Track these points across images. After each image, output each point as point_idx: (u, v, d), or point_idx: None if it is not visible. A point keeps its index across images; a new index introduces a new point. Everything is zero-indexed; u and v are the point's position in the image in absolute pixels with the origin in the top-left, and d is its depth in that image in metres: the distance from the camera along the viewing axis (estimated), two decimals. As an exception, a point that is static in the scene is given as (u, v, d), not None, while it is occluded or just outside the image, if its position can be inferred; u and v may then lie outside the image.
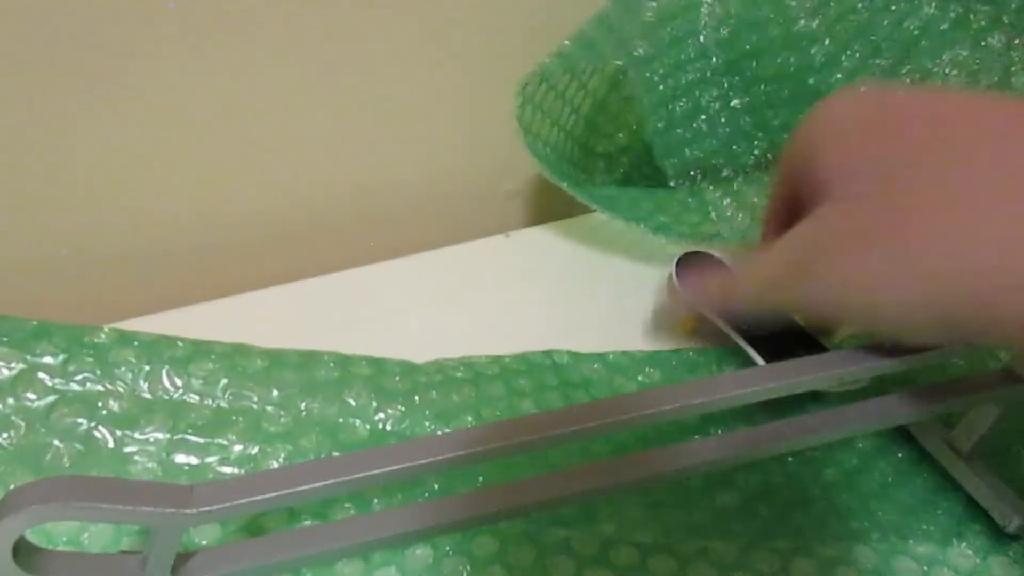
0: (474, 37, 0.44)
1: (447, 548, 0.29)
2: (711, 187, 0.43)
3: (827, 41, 0.40)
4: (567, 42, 0.39)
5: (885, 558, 0.31)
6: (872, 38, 0.41)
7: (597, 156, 0.46)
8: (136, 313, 0.38)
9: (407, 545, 0.29)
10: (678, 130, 0.41)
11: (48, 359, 0.30)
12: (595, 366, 0.36)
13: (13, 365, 0.30)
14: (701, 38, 0.41)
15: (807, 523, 0.32)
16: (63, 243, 0.41)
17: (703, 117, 0.43)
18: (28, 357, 0.30)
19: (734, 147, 0.43)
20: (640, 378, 0.36)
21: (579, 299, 0.42)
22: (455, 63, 0.44)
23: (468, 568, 0.29)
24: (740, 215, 0.44)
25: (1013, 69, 0.42)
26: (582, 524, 0.31)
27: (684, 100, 0.42)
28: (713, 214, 0.43)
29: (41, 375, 0.30)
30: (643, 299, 0.43)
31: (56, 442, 0.29)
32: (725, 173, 0.43)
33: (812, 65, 0.40)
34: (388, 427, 0.31)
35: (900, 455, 0.35)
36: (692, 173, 0.42)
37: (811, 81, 0.40)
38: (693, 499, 0.32)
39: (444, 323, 0.40)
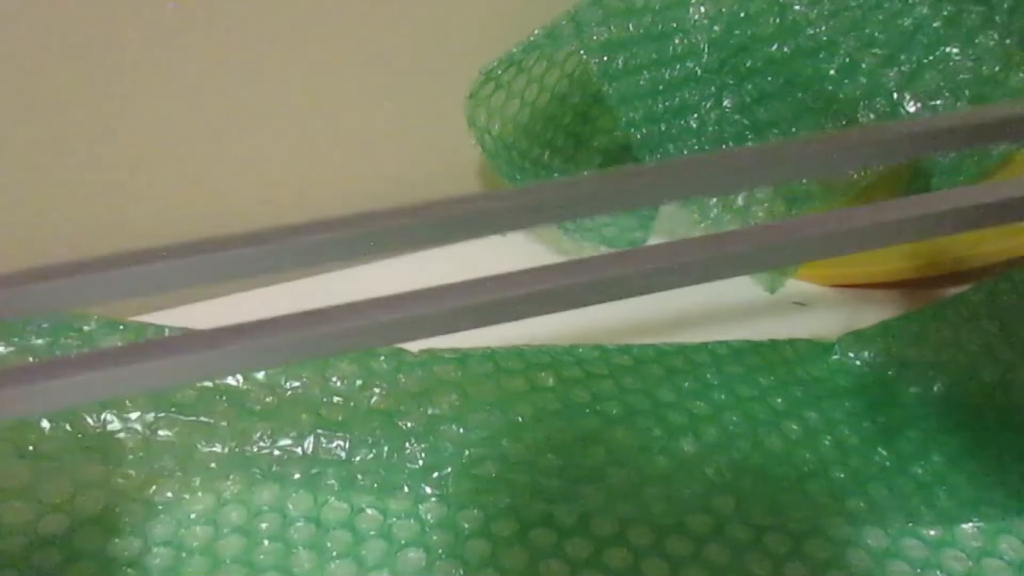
0: (474, 40, 0.44)
1: (440, 551, 0.30)
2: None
3: (822, 28, 0.40)
4: (536, 31, 0.40)
5: (879, 560, 0.31)
6: (866, 31, 0.42)
7: (594, 151, 0.46)
8: (135, 313, 0.39)
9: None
10: (660, 126, 0.41)
11: (37, 341, 0.30)
12: (594, 353, 0.36)
13: (1, 349, 0.30)
14: (691, 36, 0.41)
15: (801, 525, 0.31)
16: (62, 243, 0.42)
17: (695, 115, 0.43)
18: (16, 340, 0.30)
19: (723, 147, 0.43)
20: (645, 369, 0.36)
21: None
22: (456, 64, 0.44)
23: (461, 571, 0.29)
24: (727, 217, 0.44)
25: (1012, 61, 0.42)
26: (576, 527, 0.31)
27: (668, 97, 0.41)
28: (697, 214, 0.43)
29: (29, 359, 0.30)
30: (642, 299, 0.42)
31: (44, 423, 0.29)
32: None
33: (804, 51, 0.40)
34: (372, 404, 0.31)
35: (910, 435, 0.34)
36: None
37: (803, 67, 0.40)
38: (688, 503, 0.32)
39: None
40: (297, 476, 0.30)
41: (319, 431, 0.30)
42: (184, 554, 0.29)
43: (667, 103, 0.42)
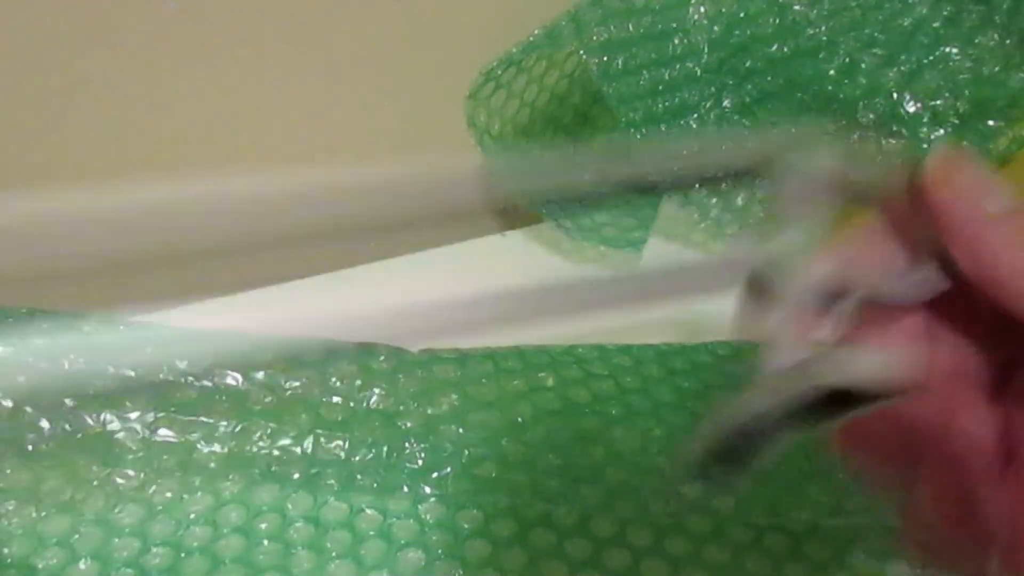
0: (474, 40, 0.44)
1: (439, 551, 0.30)
2: (698, 186, 0.43)
3: (822, 28, 0.40)
4: (536, 31, 0.40)
5: (879, 560, 0.31)
6: (866, 31, 0.42)
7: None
8: (134, 311, 0.39)
9: None
10: (660, 126, 0.41)
11: (37, 341, 0.30)
12: (593, 353, 0.36)
13: (0, 349, 0.30)
14: (691, 37, 0.41)
15: (801, 525, 0.31)
16: (62, 243, 0.42)
17: (695, 115, 0.43)
18: (16, 340, 0.30)
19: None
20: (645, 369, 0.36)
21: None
22: (456, 64, 0.44)
23: (460, 572, 0.29)
24: (727, 216, 0.44)
25: (1012, 61, 0.42)
26: (575, 528, 0.31)
27: (668, 97, 0.41)
28: (697, 214, 0.43)
29: (28, 359, 0.30)
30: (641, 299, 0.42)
31: (44, 423, 0.29)
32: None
33: (804, 51, 0.40)
34: (371, 404, 0.31)
35: None
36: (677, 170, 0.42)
37: (803, 67, 0.40)
38: (688, 503, 0.32)
39: (440, 322, 0.40)
40: (297, 476, 0.30)
41: (319, 431, 0.30)
42: (183, 554, 0.29)
43: (667, 103, 0.42)
